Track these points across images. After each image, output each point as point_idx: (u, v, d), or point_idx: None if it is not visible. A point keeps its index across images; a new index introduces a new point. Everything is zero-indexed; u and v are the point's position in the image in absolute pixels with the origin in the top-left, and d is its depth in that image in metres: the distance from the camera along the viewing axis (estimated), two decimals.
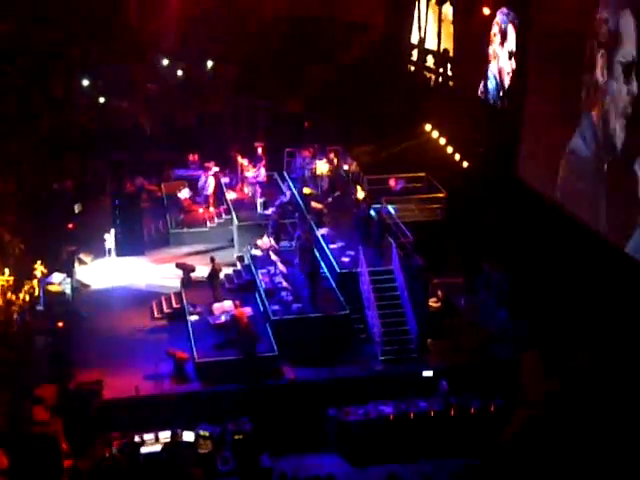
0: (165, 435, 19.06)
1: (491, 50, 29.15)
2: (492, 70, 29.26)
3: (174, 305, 24.18)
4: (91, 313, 23.93)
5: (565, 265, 23.00)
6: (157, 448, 18.84)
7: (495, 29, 28.82)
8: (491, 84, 29.40)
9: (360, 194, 26.88)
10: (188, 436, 19.16)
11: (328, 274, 24.45)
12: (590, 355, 20.20)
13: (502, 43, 28.66)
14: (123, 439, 18.84)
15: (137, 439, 18.81)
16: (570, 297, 22.29)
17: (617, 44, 21.07)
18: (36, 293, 23.75)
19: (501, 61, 28.57)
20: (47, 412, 19.33)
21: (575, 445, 18.49)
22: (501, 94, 29.00)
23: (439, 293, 24.02)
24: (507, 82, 28.41)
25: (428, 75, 35.17)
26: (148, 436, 19.10)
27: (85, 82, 35.47)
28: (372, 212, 26.02)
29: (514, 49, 27.51)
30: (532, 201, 25.33)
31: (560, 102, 23.88)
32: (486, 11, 28.99)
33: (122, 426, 19.26)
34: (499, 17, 28.43)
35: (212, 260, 24.12)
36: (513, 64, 27.75)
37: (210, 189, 29.19)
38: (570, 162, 23.52)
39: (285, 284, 23.57)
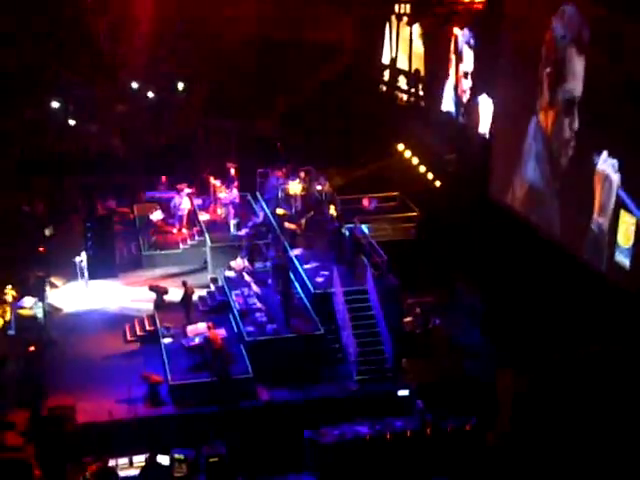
0: (139, 459, 18.86)
1: (450, 70, 29.76)
2: (450, 88, 29.77)
3: (147, 328, 24.02)
4: (63, 337, 23.68)
5: (537, 283, 23.13)
6: (132, 472, 18.63)
7: (452, 49, 29.40)
8: (450, 101, 29.87)
9: (333, 212, 26.88)
10: (163, 460, 18.96)
11: (302, 294, 24.39)
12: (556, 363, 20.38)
13: (458, 63, 29.20)
14: (97, 464, 18.58)
15: (111, 463, 18.57)
16: (543, 315, 22.40)
17: (562, 74, 21.62)
18: (7, 317, 23.48)
19: (457, 77, 29.15)
20: (19, 437, 19.06)
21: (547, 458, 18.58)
22: (461, 110, 29.47)
23: (417, 311, 24.01)
24: (465, 97, 28.91)
25: (400, 95, 35.40)
26: (122, 460, 18.90)
27: (55, 105, 35.29)
28: (345, 231, 26.03)
29: (470, 69, 28.05)
30: (504, 220, 25.48)
31: (523, 121, 24.23)
32: (456, 31, 29.31)
33: (96, 450, 19.01)
34: (459, 36, 28.98)
35: (184, 284, 23.99)
36: (469, 83, 28.25)
37: (185, 210, 29.09)
38: (528, 176, 24.00)
39: (259, 305, 23.48)
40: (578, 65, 21.07)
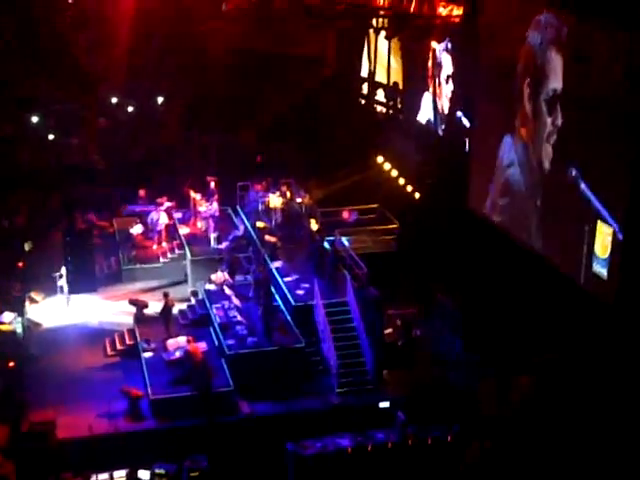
0: (120, 474, 18.77)
1: (429, 82, 29.98)
2: (428, 100, 29.99)
3: (127, 342, 23.93)
4: (43, 352, 23.55)
5: (517, 292, 23.25)
6: None
7: (431, 62, 29.65)
8: (429, 113, 30.05)
9: (314, 226, 26.94)
10: (144, 475, 18.87)
11: (283, 307, 24.39)
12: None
13: (439, 71, 29.42)
14: (77, 479, 18.47)
15: (92, 479, 18.46)
16: (524, 325, 22.50)
17: (543, 77, 21.80)
18: None
19: (438, 88, 29.30)
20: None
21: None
22: (440, 120, 29.68)
23: (398, 323, 24.05)
24: (446, 108, 29.09)
25: (379, 108, 35.55)
26: (103, 476, 18.80)
27: (34, 119, 35.20)
28: (326, 244, 26.07)
29: (449, 74, 28.28)
30: (484, 231, 25.61)
31: (500, 134, 24.42)
32: (434, 44, 29.51)
33: (76, 466, 18.90)
34: (436, 47, 29.22)
35: (165, 295, 23.94)
36: (450, 89, 28.47)
37: (162, 224, 29.04)
38: (506, 188, 24.16)
39: (240, 318, 23.47)
40: (558, 63, 21.18)
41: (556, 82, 21.34)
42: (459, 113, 28.34)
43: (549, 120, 21.76)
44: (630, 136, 18.53)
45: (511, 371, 21.45)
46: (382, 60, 34.56)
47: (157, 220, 28.98)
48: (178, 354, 21.97)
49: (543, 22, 21.86)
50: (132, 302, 25.05)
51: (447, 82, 29.35)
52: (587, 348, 20.16)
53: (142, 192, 31.06)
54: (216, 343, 23.08)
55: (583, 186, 20.30)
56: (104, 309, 26.12)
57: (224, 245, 27.33)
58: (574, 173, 20.61)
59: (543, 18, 21.84)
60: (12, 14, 34.44)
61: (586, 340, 20.17)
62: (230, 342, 22.56)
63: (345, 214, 28.88)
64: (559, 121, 21.27)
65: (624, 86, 18.59)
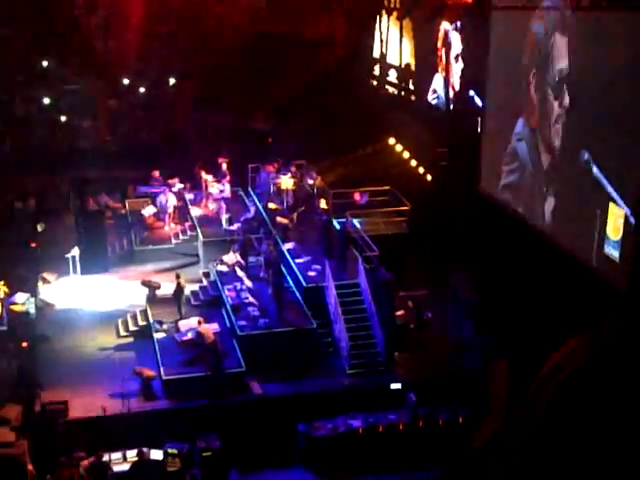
0: (133, 454, 18.88)
1: (439, 58, 29.90)
2: (440, 81, 29.90)
3: (140, 323, 24.04)
4: (56, 333, 23.69)
5: (530, 275, 23.21)
6: (125, 467, 18.65)
7: (443, 39, 29.53)
8: (441, 94, 30.01)
9: (324, 206, 26.91)
10: (156, 454, 19.00)
11: (294, 288, 24.44)
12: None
13: (448, 51, 29.31)
14: (90, 459, 18.61)
15: (105, 459, 18.60)
16: (536, 308, 22.46)
17: (548, 63, 21.71)
18: None
19: (449, 68, 29.22)
20: (12, 433, 19.07)
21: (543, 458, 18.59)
22: (451, 101, 29.61)
23: (409, 305, 24.08)
24: (457, 88, 29.01)
25: (390, 89, 35.44)
26: (116, 455, 18.93)
27: (46, 100, 35.25)
28: (336, 224, 26.11)
29: (460, 54, 28.15)
30: (496, 212, 25.54)
31: (511, 116, 24.32)
32: (446, 25, 29.37)
33: (89, 446, 19.03)
34: (448, 28, 29.11)
35: (177, 277, 24.02)
36: (460, 69, 28.38)
37: (170, 206, 29.10)
38: (518, 170, 24.12)
39: (251, 299, 23.54)
40: (563, 45, 21.10)
41: (561, 63, 21.18)
42: (472, 92, 28.20)
43: (556, 103, 21.63)
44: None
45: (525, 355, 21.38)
46: (394, 41, 34.43)
47: (166, 202, 29.05)
48: (190, 335, 22.06)
49: (547, 6, 21.75)
50: (144, 283, 25.15)
51: (457, 62, 29.22)
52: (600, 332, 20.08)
53: (156, 173, 31.11)
54: (228, 324, 23.16)
55: (595, 169, 20.21)
56: (116, 290, 26.23)
57: (236, 226, 27.36)
58: (586, 156, 20.51)
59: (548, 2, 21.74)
60: None
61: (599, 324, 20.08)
62: (242, 323, 22.64)
63: (356, 196, 28.85)
64: (566, 102, 21.10)
65: (633, 67, 18.48)
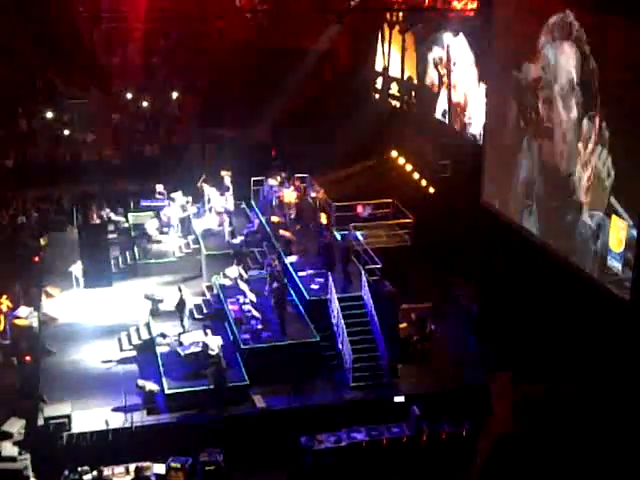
0: (134, 470, 18.84)
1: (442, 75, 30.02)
2: (442, 93, 30.13)
3: (143, 336, 24.03)
4: (59, 346, 23.68)
5: (532, 288, 23.19)
6: None
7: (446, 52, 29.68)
8: (443, 106, 30.21)
9: (324, 220, 26.87)
10: (159, 469, 18.96)
11: (297, 301, 24.44)
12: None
13: (449, 64, 29.43)
14: (93, 473, 18.58)
15: (107, 472, 18.57)
16: (539, 322, 22.44)
17: (556, 75, 21.77)
18: (2, 327, 23.48)
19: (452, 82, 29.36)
20: (15, 447, 19.06)
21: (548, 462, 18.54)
22: (454, 114, 29.69)
23: (412, 317, 24.05)
24: (461, 101, 29.12)
25: (393, 102, 35.52)
26: (118, 469, 18.89)
27: (49, 115, 35.37)
28: (338, 236, 26.12)
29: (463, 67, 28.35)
30: (499, 225, 25.55)
31: (514, 129, 24.35)
32: (448, 38, 29.46)
33: (92, 460, 19.01)
34: (450, 41, 29.24)
35: (180, 290, 24.03)
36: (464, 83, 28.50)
37: (175, 220, 29.14)
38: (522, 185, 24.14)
39: (254, 312, 23.51)
40: (571, 58, 21.13)
41: (569, 76, 21.25)
42: (474, 107, 28.29)
43: (564, 114, 21.67)
44: None
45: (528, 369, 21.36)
46: (396, 55, 34.53)
47: (170, 215, 29.10)
48: (194, 348, 22.04)
49: (555, 23, 21.82)
50: (147, 297, 25.15)
51: (461, 76, 29.32)
52: (604, 348, 20.04)
53: (160, 187, 31.14)
54: (231, 337, 23.15)
55: (599, 183, 20.24)
56: (119, 303, 26.22)
57: (239, 240, 27.36)
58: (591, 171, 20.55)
59: (555, 19, 21.79)
60: (28, 10, 34.56)
61: (603, 337, 20.05)
62: (245, 336, 22.63)
63: (359, 209, 28.86)
64: (574, 114, 21.17)
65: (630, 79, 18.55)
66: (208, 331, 21.88)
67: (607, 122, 19.85)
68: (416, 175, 31.41)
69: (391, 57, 35.11)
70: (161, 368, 21.95)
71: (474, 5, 28.95)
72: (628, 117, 18.98)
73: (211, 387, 20.94)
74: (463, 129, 29.29)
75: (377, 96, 36.77)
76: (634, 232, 18.91)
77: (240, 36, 36.80)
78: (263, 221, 29.05)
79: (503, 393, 21.22)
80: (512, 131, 24.48)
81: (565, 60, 21.39)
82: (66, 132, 35.47)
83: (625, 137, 19.21)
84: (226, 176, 30.05)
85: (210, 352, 21.25)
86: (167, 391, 20.98)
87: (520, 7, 24.11)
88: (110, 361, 23.20)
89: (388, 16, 34.38)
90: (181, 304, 23.75)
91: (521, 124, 23.92)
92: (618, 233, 19.46)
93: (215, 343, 21.45)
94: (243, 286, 24.55)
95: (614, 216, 19.58)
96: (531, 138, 23.43)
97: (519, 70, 23.68)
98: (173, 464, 18.99)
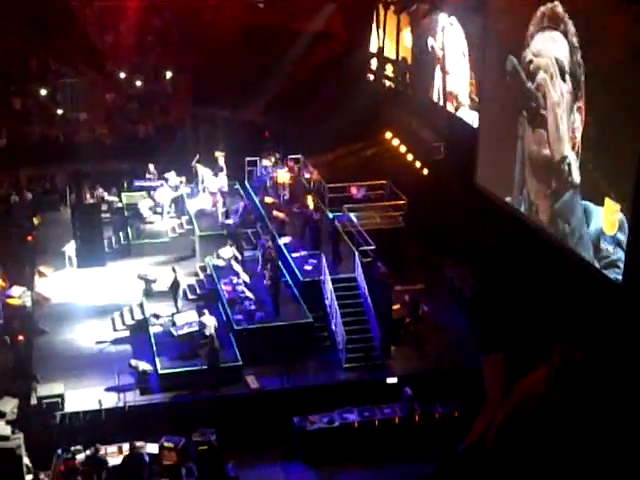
0: (128, 447, 18.88)
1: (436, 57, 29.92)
2: (437, 75, 30.15)
3: (136, 316, 24.05)
4: (52, 326, 23.68)
5: (525, 269, 23.25)
6: (120, 460, 18.65)
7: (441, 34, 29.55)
8: (438, 87, 30.21)
9: (310, 202, 26.73)
10: (152, 448, 19.01)
11: (291, 282, 24.46)
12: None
13: (443, 50, 29.34)
14: (87, 452, 18.62)
15: (101, 452, 18.61)
16: (532, 303, 22.50)
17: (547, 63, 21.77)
18: None
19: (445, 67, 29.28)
20: (8, 427, 19.08)
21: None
22: (447, 97, 29.65)
23: (405, 299, 24.09)
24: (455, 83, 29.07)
25: (387, 83, 35.42)
26: (111, 448, 18.94)
27: (43, 93, 35.20)
28: (332, 218, 26.12)
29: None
30: (492, 207, 25.58)
31: (509, 111, 24.31)
32: (443, 19, 29.33)
33: (85, 439, 19.05)
34: (445, 22, 29.12)
35: (174, 270, 24.03)
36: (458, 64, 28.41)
37: (167, 200, 29.07)
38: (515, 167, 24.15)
39: (248, 293, 23.53)
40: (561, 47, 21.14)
41: (560, 64, 21.25)
42: (469, 89, 28.22)
43: (557, 95, 21.64)
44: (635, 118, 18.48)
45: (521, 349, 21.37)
46: (391, 35, 34.39)
47: (161, 195, 29.04)
48: (187, 329, 22.06)
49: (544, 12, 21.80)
50: (141, 277, 25.15)
51: (455, 59, 29.21)
52: (598, 332, 20.07)
53: (151, 167, 31.04)
54: (224, 318, 23.17)
55: (591, 167, 20.29)
56: (113, 283, 26.20)
57: (232, 220, 27.33)
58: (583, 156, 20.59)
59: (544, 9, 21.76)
60: None
61: (597, 322, 20.09)
62: (238, 317, 22.66)
63: (353, 190, 28.86)
64: (568, 96, 21.12)
65: (627, 66, 18.51)
66: (205, 311, 21.90)
67: (593, 111, 19.91)
68: (410, 157, 31.37)
69: (386, 38, 34.97)
70: (154, 348, 21.98)
71: None
72: (613, 106, 19.05)
73: (204, 367, 20.97)
74: (457, 111, 29.24)
75: (372, 77, 36.65)
76: (626, 216, 18.96)
77: (234, 15, 36.58)
78: (257, 202, 29.03)
79: (495, 374, 21.30)
80: (506, 116, 24.44)
81: (555, 49, 21.36)
82: (59, 111, 35.29)
83: (610, 122, 19.28)
84: (220, 157, 29.98)
85: (205, 332, 21.30)
86: (160, 371, 21.02)
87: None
88: (103, 341, 23.23)
89: None
90: (175, 284, 23.76)
91: (515, 109, 23.88)
92: (611, 216, 19.50)
93: (211, 323, 21.49)
94: (237, 267, 24.56)
95: (607, 199, 19.62)
96: (524, 123, 23.42)
97: (514, 55, 23.61)
98: (166, 444, 19.02)
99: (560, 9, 20.98)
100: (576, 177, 20.97)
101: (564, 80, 21.10)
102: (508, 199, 24.75)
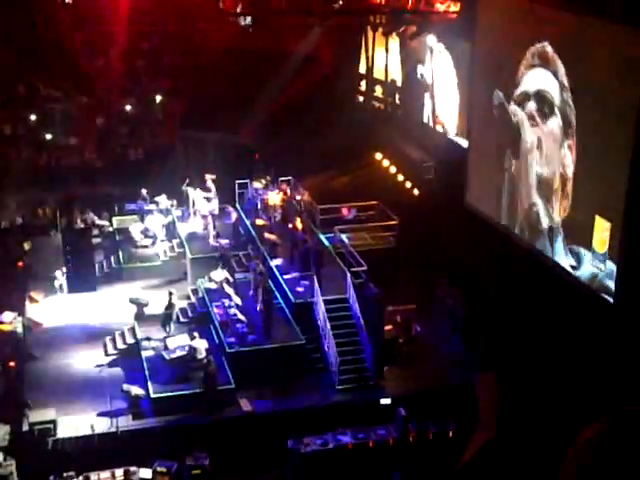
0: (121, 473, 18.78)
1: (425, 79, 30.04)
2: (427, 97, 30.19)
3: (128, 340, 23.96)
4: (43, 351, 23.56)
5: (517, 289, 23.26)
6: None
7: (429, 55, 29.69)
8: (427, 108, 30.25)
9: (298, 224, 26.69)
10: (145, 473, 18.89)
11: (283, 304, 24.42)
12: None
13: (436, 68, 29.49)
14: (79, 478, 18.50)
15: (93, 478, 18.49)
16: (524, 323, 22.49)
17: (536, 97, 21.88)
18: None
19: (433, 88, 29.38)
20: (0, 453, 18.95)
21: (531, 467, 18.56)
22: (436, 119, 29.74)
23: (398, 319, 24.07)
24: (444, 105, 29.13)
25: (377, 105, 35.54)
26: (104, 474, 18.81)
27: (33, 118, 35.21)
28: (323, 239, 26.08)
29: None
30: (483, 227, 25.61)
31: (499, 141, 24.40)
32: (432, 41, 29.49)
33: (77, 465, 18.93)
34: (434, 44, 29.25)
35: (170, 294, 23.98)
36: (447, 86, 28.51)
37: (158, 227, 29.04)
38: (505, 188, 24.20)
39: (240, 316, 23.48)
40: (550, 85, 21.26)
41: (548, 100, 21.38)
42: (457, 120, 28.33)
43: (544, 132, 21.70)
44: (623, 132, 18.57)
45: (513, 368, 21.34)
46: (380, 57, 34.55)
47: (154, 222, 29.03)
48: (179, 352, 21.99)
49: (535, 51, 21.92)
50: (132, 301, 25.08)
51: (445, 86, 29.31)
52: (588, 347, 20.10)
53: (144, 191, 31.02)
54: (216, 341, 23.10)
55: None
56: (104, 308, 26.12)
57: (224, 242, 27.30)
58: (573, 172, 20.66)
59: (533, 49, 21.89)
60: (10, 14, 34.42)
61: (587, 337, 20.11)
62: (230, 340, 22.60)
63: (344, 211, 28.90)
64: (558, 120, 21.21)
65: (615, 82, 18.62)
66: (195, 334, 21.85)
67: (582, 145, 20.03)
68: (400, 177, 31.43)
69: (375, 59, 35.12)
70: (146, 372, 21.89)
71: (457, 7, 28.98)
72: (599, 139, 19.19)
73: (201, 390, 20.88)
74: (446, 133, 29.34)
75: (361, 98, 36.77)
76: (617, 233, 19.02)
77: (223, 39, 36.72)
78: (248, 224, 29.02)
79: (488, 393, 21.29)
80: (494, 147, 24.48)
81: (545, 85, 21.46)
82: (49, 136, 35.31)
83: (596, 150, 19.42)
84: (210, 179, 30.00)
85: (197, 356, 21.24)
86: (152, 395, 20.92)
87: (503, 10, 24.17)
88: (95, 366, 23.12)
89: (372, 18, 34.38)
90: (170, 308, 23.70)
91: (502, 142, 23.93)
92: (602, 233, 19.55)
93: (202, 346, 21.43)
94: (229, 289, 24.51)
95: (597, 217, 19.68)
96: (510, 157, 23.47)
97: (500, 90, 23.67)
98: (159, 468, 18.96)
99: (549, 49, 21.04)
100: (561, 198, 21.04)
101: (552, 116, 21.15)
102: (498, 218, 24.79)
